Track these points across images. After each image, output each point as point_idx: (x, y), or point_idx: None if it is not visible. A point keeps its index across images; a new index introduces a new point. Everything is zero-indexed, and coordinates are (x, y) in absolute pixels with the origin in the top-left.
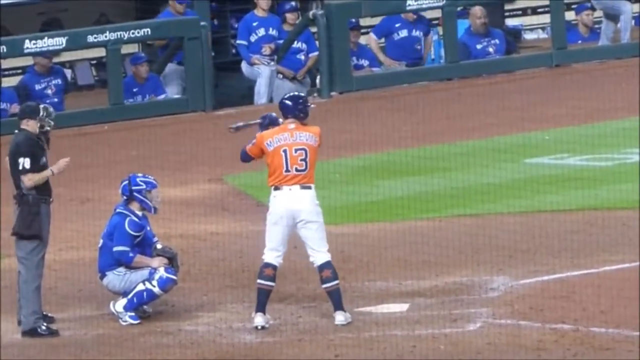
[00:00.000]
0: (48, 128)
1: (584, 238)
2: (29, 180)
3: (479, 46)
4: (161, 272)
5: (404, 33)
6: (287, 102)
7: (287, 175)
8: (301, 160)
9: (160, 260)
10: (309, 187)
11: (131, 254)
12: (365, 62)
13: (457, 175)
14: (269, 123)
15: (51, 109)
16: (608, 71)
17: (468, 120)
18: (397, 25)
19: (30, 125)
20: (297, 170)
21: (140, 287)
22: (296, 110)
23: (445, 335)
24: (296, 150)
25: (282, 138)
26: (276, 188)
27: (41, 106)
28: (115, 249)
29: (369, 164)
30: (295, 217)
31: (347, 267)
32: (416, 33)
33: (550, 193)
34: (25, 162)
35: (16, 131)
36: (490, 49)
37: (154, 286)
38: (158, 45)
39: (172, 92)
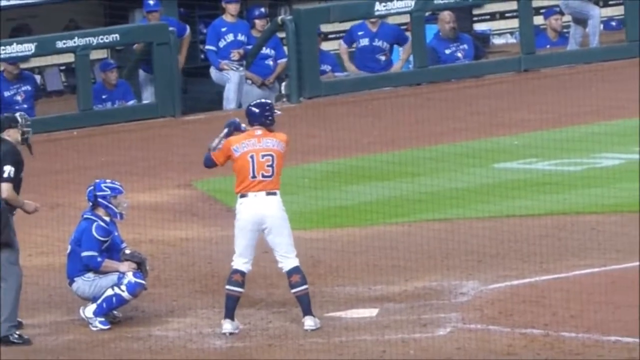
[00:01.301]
0: (28, 135)
1: (553, 243)
2: (6, 190)
3: (447, 51)
4: (130, 277)
5: (365, 42)
6: (254, 109)
7: (254, 181)
8: (268, 166)
9: (128, 264)
10: (275, 194)
11: (99, 259)
12: (327, 68)
13: (426, 180)
14: (233, 129)
15: (27, 116)
16: (577, 76)
17: (437, 125)
18: (359, 33)
19: (12, 135)
20: (263, 176)
21: (109, 292)
22: (263, 117)
23: (414, 340)
24: (263, 156)
25: (249, 144)
26: (242, 195)
27: (17, 115)
28: (83, 254)
29: (338, 169)
30: (261, 223)
31: (317, 272)
32: (378, 42)
33: (519, 198)
34: (10, 171)
35: None
36: (459, 54)
37: (122, 291)
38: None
39: (147, 98)
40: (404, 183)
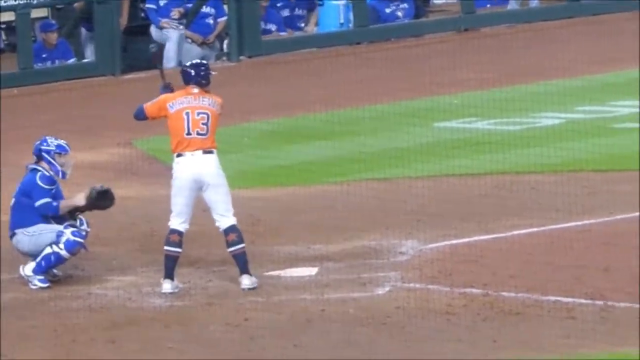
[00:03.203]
0: None
1: (492, 202)
2: None
3: (387, 10)
4: (68, 235)
5: (285, 13)
6: (189, 69)
7: (189, 139)
8: (203, 124)
9: (83, 194)
10: (212, 152)
11: (54, 204)
12: (272, 27)
13: (366, 140)
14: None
15: None
16: (517, 35)
17: (377, 84)
18: (279, 4)
19: None
20: (198, 133)
21: (48, 250)
22: (198, 77)
23: (354, 299)
24: (198, 113)
25: (185, 101)
26: (179, 154)
27: None
28: (37, 204)
29: (278, 128)
30: (199, 182)
31: (257, 231)
32: (298, 12)
33: (459, 157)
34: None
35: None
36: (399, 13)
37: (61, 249)
38: None
39: (89, 56)
40: (344, 142)
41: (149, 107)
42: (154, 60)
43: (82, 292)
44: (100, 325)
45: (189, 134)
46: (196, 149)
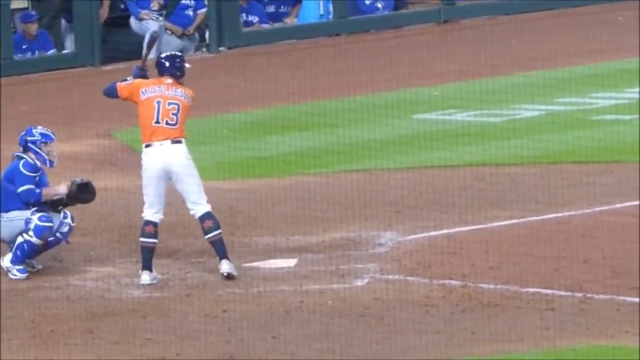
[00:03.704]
0: None
1: (472, 194)
2: None
3: (367, 2)
4: (35, 221)
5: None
6: (164, 60)
7: (157, 127)
8: (173, 114)
9: (65, 184)
10: (180, 142)
11: (37, 190)
12: (255, 19)
13: (345, 131)
14: (140, 75)
15: None
16: (497, 27)
17: (356, 76)
18: None
19: None
20: (167, 123)
21: (20, 239)
22: (173, 69)
23: (332, 290)
24: (169, 103)
25: (158, 90)
26: (148, 145)
27: None
28: (19, 190)
29: (257, 120)
30: (168, 172)
31: (235, 222)
32: (284, 9)
33: (439, 149)
34: None
35: None
36: (379, 5)
37: (31, 237)
38: None
39: (69, 47)
40: (322, 134)
41: (122, 86)
42: (148, 46)
43: (61, 282)
44: (79, 316)
45: (157, 122)
46: (165, 139)
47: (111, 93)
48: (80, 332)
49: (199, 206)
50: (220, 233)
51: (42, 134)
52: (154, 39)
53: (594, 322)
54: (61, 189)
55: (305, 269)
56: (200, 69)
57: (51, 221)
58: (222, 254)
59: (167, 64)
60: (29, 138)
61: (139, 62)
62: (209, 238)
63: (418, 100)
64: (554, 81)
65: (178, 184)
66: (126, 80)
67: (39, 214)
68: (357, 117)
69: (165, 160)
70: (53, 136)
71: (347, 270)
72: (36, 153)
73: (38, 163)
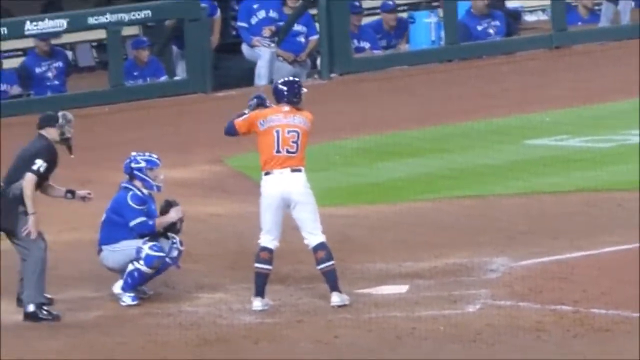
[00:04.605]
0: (69, 135)
1: (583, 219)
2: (29, 181)
3: (479, 27)
4: (147, 250)
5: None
6: (281, 87)
7: (278, 157)
8: (293, 142)
9: (175, 209)
10: (300, 170)
11: (150, 222)
12: (366, 45)
13: (456, 157)
14: (258, 103)
15: (70, 116)
16: (608, 52)
17: (467, 101)
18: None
19: (51, 133)
20: (287, 151)
21: (130, 267)
22: (290, 95)
23: (444, 316)
24: (289, 131)
25: (276, 119)
26: (267, 173)
27: (59, 113)
28: (131, 224)
29: (369, 146)
30: (286, 200)
31: (347, 249)
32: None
33: (550, 174)
34: (41, 166)
35: (36, 137)
36: (491, 31)
37: (141, 265)
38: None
39: (180, 74)
40: (434, 159)
41: (239, 122)
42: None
43: (173, 309)
44: (190, 342)
45: (278, 151)
46: (284, 167)
47: (230, 131)
48: (192, 359)
49: (314, 236)
50: (333, 264)
51: (146, 160)
52: (256, 104)
53: None
54: (172, 216)
55: (417, 295)
56: (312, 95)
57: (163, 250)
58: (334, 286)
59: (284, 90)
60: (134, 165)
61: (250, 90)
62: (321, 269)
63: (530, 126)
64: None
65: (295, 213)
66: (243, 114)
67: (150, 243)
68: (469, 142)
69: (285, 188)
70: (158, 161)
71: (459, 296)
72: (142, 180)
73: (145, 191)
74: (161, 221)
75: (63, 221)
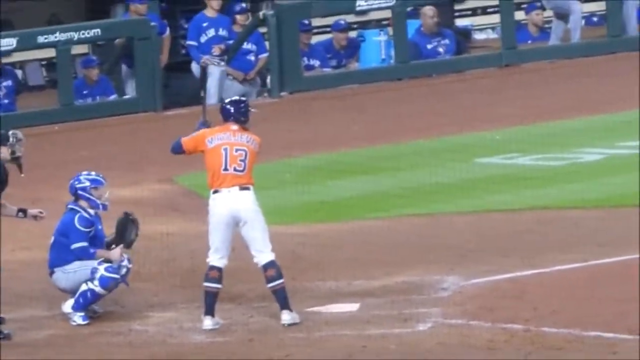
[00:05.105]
0: (19, 154)
1: (534, 238)
2: None
3: (429, 46)
4: (102, 272)
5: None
6: (228, 106)
7: (226, 174)
8: (240, 160)
9: (119, 251)
10: (248, 188)
11: (92, 250)
12: (316, 63)
13: (407, 175)
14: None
15: (20, 135)
16: (558, 70)
17: (418, 120)
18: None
19: (1, 152)
20: (235, 170)
21: (84, 287)
22: (237, 114)
23: (395, 334)
24: (237, 150)
25: (224, 137)
26: (215, 191)
27: (10, 132)
28: (73, 246)
29: (320, 164)
30: (235, 218)
31: (298, 267)
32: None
33: (501, 193)
34: None
35: None
36: (441, 49)
37: (95, 286)
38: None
39: (130, 92)
40: (385, 178)
41: (186, 141)
42: (201, 104)
43: (123, 328)
44: None
45: (226, 169)
46: (233, 185)
47: (177, 149)
48: None
49: (263, 254)
50: (282, 282)
51: (90, 180)
52: (203, 99)
53: None
54: (114, 255)
55: (368, 314)
56: (262, 113)
57: (117, 272)
58: (284, 304)
59: (232, 109)
60: (77, 185)
61: (200, 108)
62: (271, 287)
63: (480, 144)
64: (616, 124)
65: (244, 231)
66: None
67: (105, 264)
68: (420, 161)
69: (233, 206)
70: (103, 180)
71: (410, 314)
72: (87, 199)
73: (91, 211)
74: (102, 254)
75: (15, 240)
